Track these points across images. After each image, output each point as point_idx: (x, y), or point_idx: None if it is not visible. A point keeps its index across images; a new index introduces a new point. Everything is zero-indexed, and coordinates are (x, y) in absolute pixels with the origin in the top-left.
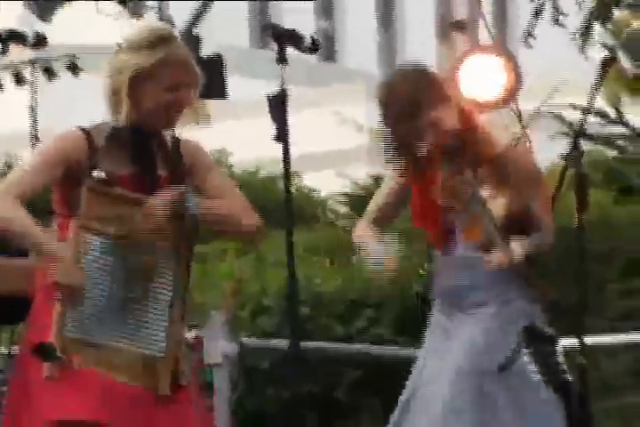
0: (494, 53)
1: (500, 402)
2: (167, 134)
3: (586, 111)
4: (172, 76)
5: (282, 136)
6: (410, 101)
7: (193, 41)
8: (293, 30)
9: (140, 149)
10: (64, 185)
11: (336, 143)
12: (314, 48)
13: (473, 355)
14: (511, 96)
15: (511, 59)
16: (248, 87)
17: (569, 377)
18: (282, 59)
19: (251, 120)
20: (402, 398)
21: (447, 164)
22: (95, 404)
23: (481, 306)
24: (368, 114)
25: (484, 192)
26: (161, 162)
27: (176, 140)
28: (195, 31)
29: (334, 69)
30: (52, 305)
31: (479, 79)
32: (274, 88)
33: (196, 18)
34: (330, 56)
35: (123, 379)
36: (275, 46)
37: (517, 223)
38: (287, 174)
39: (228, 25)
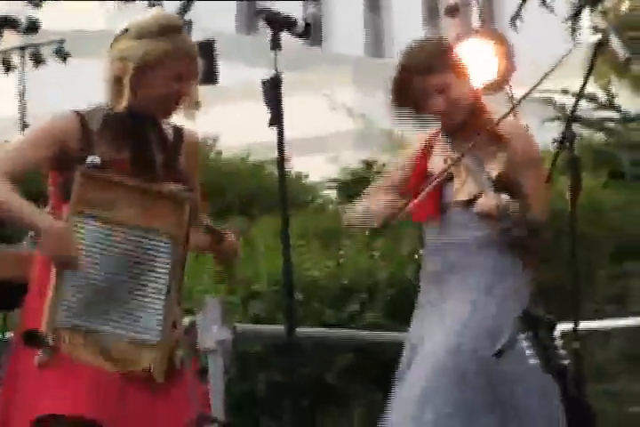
0: (487, 38)
1: (483, 381)
2: (166, 121)
3: (579, 95)
4: (178, 66)
5: (276, 120)
6: (422, 63)
7: (184, 27)
8: (286, 15)
9: (135, 133)
10: (58, 170)
11: (325, 128)
12: (306, 32)
13: (462, 332)
14: (504, 80)
15: (504, 43)
16: (235, 73)
17: (567, 362)
18: (275, 43)
19: (237, 106)
20: (397, 373)
21: (450, 133)
22: (91, 399)
23: (468, 278)
24: (356, 98)
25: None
26: (157, 148)
27: (178, 129)
28: (186, 17)
29: (322, 54)
30: (45, 295)
31: (472, 63)
32: (261, 74)
33: (187, 3)
34: (317, 41)
35: (117, 367)
36: (262, 32)
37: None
38: (281, 159)
39: (214, 11)
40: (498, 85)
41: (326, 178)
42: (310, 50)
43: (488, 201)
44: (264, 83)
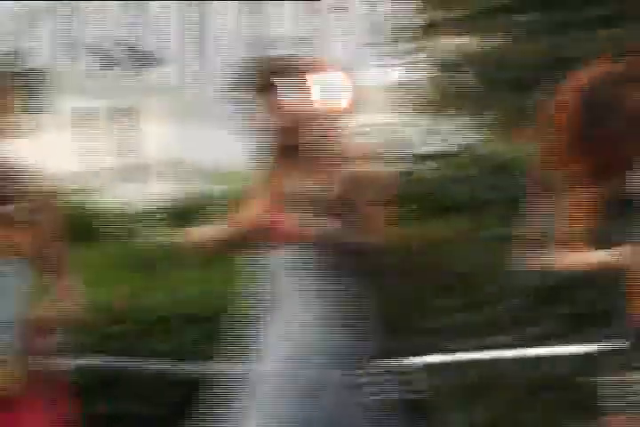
0: (333, 69)
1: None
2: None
3: (418, 129)
4: None
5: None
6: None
7: (19, 56)
8: (146, 50)
9: None
10: None
11: (138, 157)
12: (152, 61)
13: (284, 358)
14: (350, 110)
15: (349, 74)
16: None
17: (409, 396)
18: (136, 76)
19: (46, 135)
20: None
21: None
22: None
23: (298, 301)
24: (170, 129)
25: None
26: None
27: (6, 160)
28: (20, 46)
29: (140, 84)
30: None
31: (321, 94)
32: (80, 102)
33: (21, 33)
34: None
35: None
36: (82, 62)
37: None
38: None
39: (35, 42)
40: (344, 115)
41: (147, 206)
42: (128, 80)
43: (299, 227)
44: (117, 111)
